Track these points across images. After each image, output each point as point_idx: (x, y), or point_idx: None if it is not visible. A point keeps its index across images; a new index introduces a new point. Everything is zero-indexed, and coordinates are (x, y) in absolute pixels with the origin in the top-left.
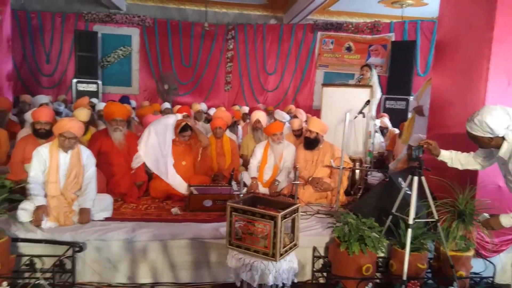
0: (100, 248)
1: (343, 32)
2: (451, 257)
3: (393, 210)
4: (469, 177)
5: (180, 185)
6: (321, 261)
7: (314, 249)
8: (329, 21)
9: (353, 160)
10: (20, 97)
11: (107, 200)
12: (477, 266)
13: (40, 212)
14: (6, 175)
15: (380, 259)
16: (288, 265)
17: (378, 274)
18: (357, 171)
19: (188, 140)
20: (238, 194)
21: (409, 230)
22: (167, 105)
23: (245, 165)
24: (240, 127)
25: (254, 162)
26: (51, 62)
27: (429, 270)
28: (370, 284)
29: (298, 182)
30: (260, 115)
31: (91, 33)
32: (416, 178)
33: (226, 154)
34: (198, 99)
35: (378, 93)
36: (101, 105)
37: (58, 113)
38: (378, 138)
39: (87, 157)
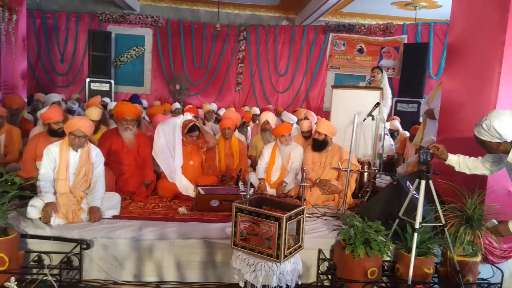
0: (107, 245)
1: (355, 33)
2: (458, 262)
3: (400, 214)
4: (478, 181)
5: (186, 188)
6: (326, 263)
7: (320, 251)
8: (341, 23)
9: (362, 163)
10: (34, 96)
11: (115, 198)
12: (485, 272)
13: (49, 209)
14: (17, 172)
15: (386, 263)
16: (292, 266)
17: (384, 278)
18: (366, 174)
19: (195, 140)
20: (244, 195)
21: (415, 234)
22: (177, 105)
23: (254, 165)
24: (249, 128)
25: (262, 163)
26: (65, 62)
27: (435, 275)
28: None
29: (305, 184)
30: (269, 116)
31: (105, 33)
32: (423, 182)
33: (235, 154)
34: (208, 99)
35: (389, 96)
36: (112, 105)
37: (71, 112)
38: (388, 141)
39: (96, 155)
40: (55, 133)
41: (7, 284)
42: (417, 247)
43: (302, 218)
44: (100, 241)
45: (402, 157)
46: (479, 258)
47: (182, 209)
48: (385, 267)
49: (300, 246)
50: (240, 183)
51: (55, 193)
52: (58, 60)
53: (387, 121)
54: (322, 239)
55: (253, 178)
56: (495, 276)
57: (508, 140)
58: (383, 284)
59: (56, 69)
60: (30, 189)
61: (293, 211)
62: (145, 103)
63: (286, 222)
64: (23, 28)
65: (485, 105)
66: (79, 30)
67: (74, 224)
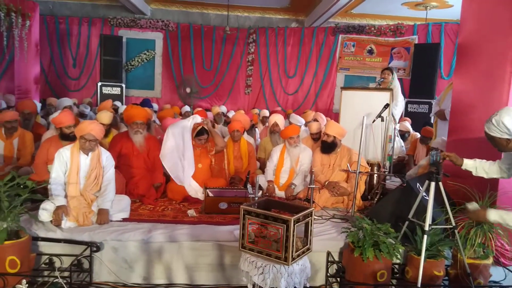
0: (117, 248)
1: (365, 34)
2: (468, 264)
3: (410, 216)
4: (490, 183)
5: (195, 191)
6: (335, 266)
7: (328, 254)
8: (351, 24)
9: (371, 165)
10: (47, 100)
11: (124, 201)
12: (497, 274)
13: (60, 212)
14: (29, 175)
15: (396, 266)
16: (300, 269)
17: (393, 281)
18: (375, 176)
19: (204, 144)
20: (253, 197)
21: (425, 237)
22: (187, 108)
23: (262, 168)
24: (257, 130)
25: (270, 166)
26: (77, 66)
27: (446, 278)
28: None
29: (314, 186)
30: (278, 118)
31: (116, 37)
32: (433, 184)
33: (243, 157)
34: (218, 102)
35: (400, 98)
36: (123, 108)
37: (83, 116)
38: (399, 143)
39: (107, 158)
40: (67, 137)
41: (18, 286)
42: (427, 250)
43: (310, 221)
44: (110, 244)
45: (412, 158)
46: (490, 260)
47: (191, 212)
48: (395, 270)
49: (308, 249)
50: (249, 186)
51: (66, 196)
52: (71, 64)
53: (398, 122)
54: (331, 241)
55: (261, 180)
56: (507, 279)
57: None
58: (393, 287)
59: (69, 74)
60: (42, 193)
61: (301, 213)
62: (155, 106)
63: (294, 224)
64: (36, 34)
65: (496, 105)
66: (91, 35)
67: (84, 227)
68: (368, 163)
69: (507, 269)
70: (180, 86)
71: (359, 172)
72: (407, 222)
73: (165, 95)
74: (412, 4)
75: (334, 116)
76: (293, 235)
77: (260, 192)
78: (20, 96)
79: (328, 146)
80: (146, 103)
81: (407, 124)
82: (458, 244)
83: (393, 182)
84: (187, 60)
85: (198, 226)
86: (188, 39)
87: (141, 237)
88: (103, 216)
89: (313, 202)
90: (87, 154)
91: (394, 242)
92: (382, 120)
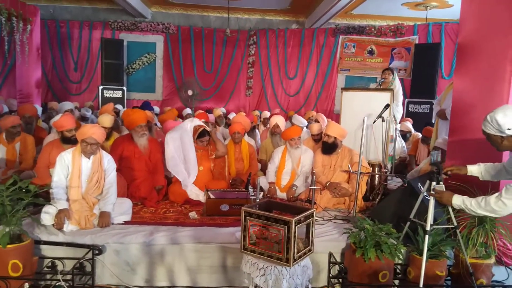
0: (119, 251)
1: (365, 35)
2: (471, 264)
3: (411, 216)
4: (491, 182)
5: (196, 194)
6: (337, 267)
7: (330, 254)
8: (351, 25)
9: (372, 165)
10: (48, 104)
11: (126, 204)
12: (499, 274)
13: (62, 215)
14: (31, 179)
15: (398, 266)
16: (302, 270)
17: (395, 281)
18: (377, 176)
19: (206, 146)
20: (254, 199)
21: (427, 237)
22: (188, 110)
23: (264, 169)
24: (258, 132)
25: (272, 167)
26: (79, 70)
27: (448, 278)
28: None
29: (315, 187)
30: (278, 120)
31: (117, 41)
32: (434, 183)
33: (245, 159)
34: (219, 104)
35: (401, 98)
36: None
37: (85, 119)
38: (400, 143)
39: (108, 162)
40: (68, 141)
41: None
42: (429, 250)
43: (311, 222)
44: (112, 247)
45: (414, 158)
46: (492, 260)
47: (192, 214)
48: (397, 270)
49: (310, 250)
50: (250, 187)
51: (68, 199)
52: (72, 68)
53: (399, 122)
54: (333, 242)
55: (262, 182)
56: (510, 278)
57: (508, 134)
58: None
59: (70, 77)
60: (44, 196)
61: (302, 215)
62: (157, 109)
63: (295, 225)
64: (37, 38)
65: (497, 104)
66: (92, 38)
67: (86, 230)
68: (369, 164)
69: (510, 268)
70: (181, 89)
71: (360, 173)
72: (408, 223)
73: (166, 98)
74: (412, 4)
75: (336, 117)
76: (295, 236)
77: (262, 193)
78: (22, 100)
79: (329, 147)
80: (146, 106)
81: (409, 124)
82: (460, 244)
83: (394, 182)
84: (188, 62)
85: (200, 228)
86: (189, 42)
87: (143, 240)
88: (104, 219)
89: (315, 203)
90: (89, 158)
91: (396, 243)
92: (383, 120)
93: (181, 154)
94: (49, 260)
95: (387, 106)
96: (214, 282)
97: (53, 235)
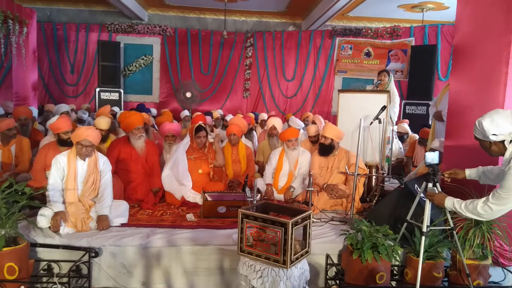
0: (115, 253)
1: (362, 37)
2: (468, 265)
3: (408, 217)
4: (488, 185)
5: (193, 196)
6: (334, 268)
7: (327, 256)
8: (348, 27)
9: (369, 167)
10: (45, 106)
11: (123, 206)
12: (496, 275)
13: (58, 218)
14: (27, 181)
15: (395, 267)
16: (299, 272)
17: (393, 283)
18: (374, 178)
19: (204, 141)
20: (251, 201)
21: (423, 238)
22: (186, 112)
23: (261, 171)
24: (255, 134)
25: (269, 169)
26: (75, 72)
27: (445, 279)
28: None
29: (313, 188)
30: (275, 122)
31: (114, 43)
32: (431, 185)
33: (242, 160)
34: (216, 106)
35: (397, 99)
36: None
37: (81, 121)
38: (397, 144)
39: (104, 163)
40: (64, 143)
41: None
42: (425, 251)
43: (308, 223)
44: (108, 249)
45: (411, 160)
46: (489, 261)
47: (189, 216)
48: (394, 272)
49: (307, 252)
50: (247, 189)
51: (64, 202)
52: (68, 70)
53: (396, 124)
54: (330, 244)
55: (260, 183)
56: (506, 279)
57: (491, 140)
58: None
59: (67, 80)
60: (40, 199)
61: (299, 216)
62: (154, 111)
63: (292, 227)
64: (33, 41)
65: (493, 106)
66: (88, 41)
67: (82, 233)
68: (366, 165)
69: (506, 269)
70: (178, 91)
71: (358, 174)
72: (405, 224)
73: (163, 100)
74: (408, 6)
75: (333, 118)
76: (292, 238)
77: (259, 195)
78: (18, 103)
79: (326, 148)
80: (141, 108)
81: (406, 126)
82: (457, 245)
83: (391, 184)
84: (185, 64)
85: (197, 230)
86: (186, 44)
87: (140, 242)
88: (103, 222)
89: (312, 204)
90: (84, 160)
91: (393, 244)
92: (380, 122)
93: (174, 170)
94: (45, 262)
95: (384, 107)
96: (211, 284)
97: (49, 237)
